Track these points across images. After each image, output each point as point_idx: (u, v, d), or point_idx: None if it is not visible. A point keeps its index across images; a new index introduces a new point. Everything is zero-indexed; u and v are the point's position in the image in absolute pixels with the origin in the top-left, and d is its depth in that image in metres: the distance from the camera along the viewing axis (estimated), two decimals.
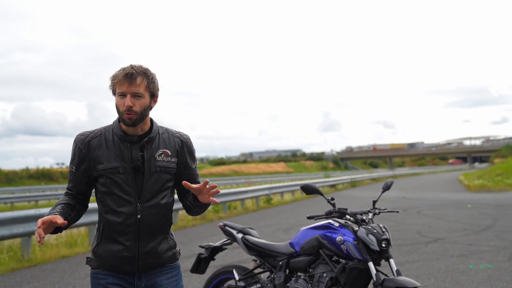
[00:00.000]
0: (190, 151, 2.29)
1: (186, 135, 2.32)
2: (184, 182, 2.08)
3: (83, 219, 8.40)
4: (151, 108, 2.16)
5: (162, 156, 2.18)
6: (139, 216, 2.12)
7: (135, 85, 2.05)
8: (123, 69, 2.08)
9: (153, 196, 2.16)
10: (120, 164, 2.11)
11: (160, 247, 2.20)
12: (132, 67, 2.08)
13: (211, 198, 2.12)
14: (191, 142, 2.32)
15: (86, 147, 2.13)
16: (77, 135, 2.17)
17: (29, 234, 7.26)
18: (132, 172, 2.12)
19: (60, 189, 36.98)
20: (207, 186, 2.07)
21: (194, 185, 2.08)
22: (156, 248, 2.18)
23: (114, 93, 2.12)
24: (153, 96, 2.15)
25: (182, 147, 2.25)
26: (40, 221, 1.88)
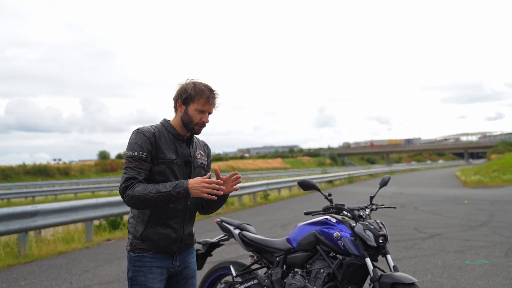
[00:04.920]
0: (210, 154, 2.77)
1: (205, 142, 2.78)
2: (215, 168, 2.46)
3: (80, 215, 8.40)
4: None
5: (199, 155, 2.63)
6: (188, 202, 2.51)
7: (214, 106, 2.51)
8: (207, 89, 2.46)
9: None
10: (176, 157, 2.48)
11: (193, 230, 2.64)
12: (211, 90, 2.47)
13: (233, 187, 2.51)
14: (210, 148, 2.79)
15: (153, 137, 2.43)
16: (140, 128, 2.44)
17: (26, 230, 7.23)
18: (183, 165, 2.51)
19: (57, 185, 36.95)
20: (233, 177, 2.48)
21: (222, 176, 2.47)
22: (191, 231, 2.61)
23: (187, 102, 2.46)
24: None
25: (207, 150, 2.74)
26: (209, 181, 2.33)
